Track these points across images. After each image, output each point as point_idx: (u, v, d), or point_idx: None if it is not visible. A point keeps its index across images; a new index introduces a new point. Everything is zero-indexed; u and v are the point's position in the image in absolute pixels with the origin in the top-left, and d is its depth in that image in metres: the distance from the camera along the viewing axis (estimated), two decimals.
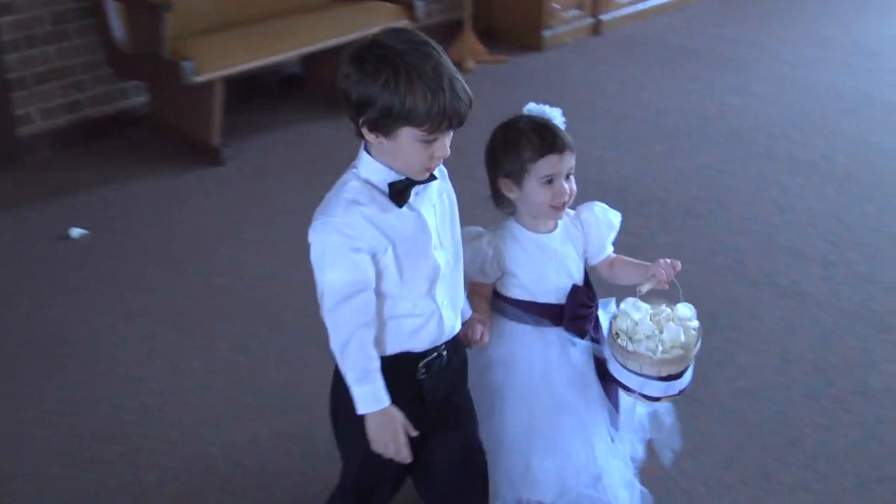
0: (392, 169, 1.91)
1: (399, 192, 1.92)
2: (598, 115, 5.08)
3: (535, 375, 2.29)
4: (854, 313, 3.45)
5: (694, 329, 2.18)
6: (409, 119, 1.81)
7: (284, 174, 4.52)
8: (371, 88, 1.79)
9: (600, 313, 2.35)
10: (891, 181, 4.48)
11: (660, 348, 2.13)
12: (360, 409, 1.97)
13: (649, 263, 2.27)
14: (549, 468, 2.30)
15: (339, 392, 2.04)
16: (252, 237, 3.99)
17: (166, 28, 4.34)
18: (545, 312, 2.28)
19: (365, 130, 1.87)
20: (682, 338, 2.15)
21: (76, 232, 4.02)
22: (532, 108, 2.25)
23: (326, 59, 4.99)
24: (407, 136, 1.85)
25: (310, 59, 5.20)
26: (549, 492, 2.32)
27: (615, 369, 2.21)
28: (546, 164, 2.16)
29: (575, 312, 2.27)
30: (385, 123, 1.83)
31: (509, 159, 2.20)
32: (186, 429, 2.97)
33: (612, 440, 2.35)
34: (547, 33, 6.17)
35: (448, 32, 5.75)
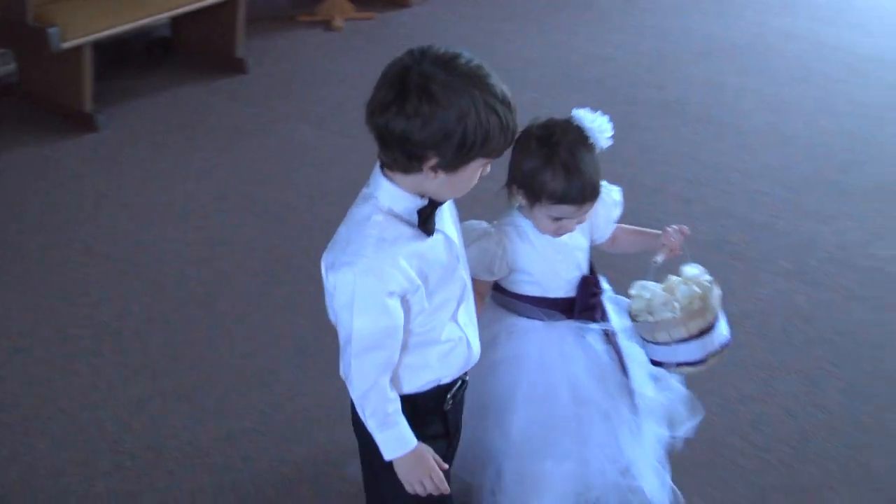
0: (418, 196, 1.69)
1: (427, 219, 1.69)
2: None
3: (553, 372, 2.15)
4: (710, 244, 3.59)
5: (707, 281, 2.11)
6: (485, 148, 1.60)
7: (159, 138, 4.42)
8: (446, 126, 1.55)
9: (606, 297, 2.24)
10: (742, 120, 4.63)
11: (677, 306, 2.06)
12: (387, 455, 1.81)
13: (655, 231, 2.19)
14: (566, 472, 2.16)
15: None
16: (130, 202, 3.91)
17: None
18: (557, 306, 2.14)
19: (422, 168, 1.62)
20: (697, 289, 2.09)
21: None
22: (579, 115, 2.03)
23: (195, 21, 4.91)
24: (475, 165, 1.64)
25: (178, 22, 5.08)
26: (561, 499, 2.18)
27: (651, 351, 2.12)
28: (561, 210, 1.98)
29: (586, 303, 2.15)
30: (458, 158, 1.60)
31: (528, 178, 1.98)
32: (76, 396, 2.92)
33: (638, 427, 2.22)
34: None
35: None
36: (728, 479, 2.57)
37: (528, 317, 2.15)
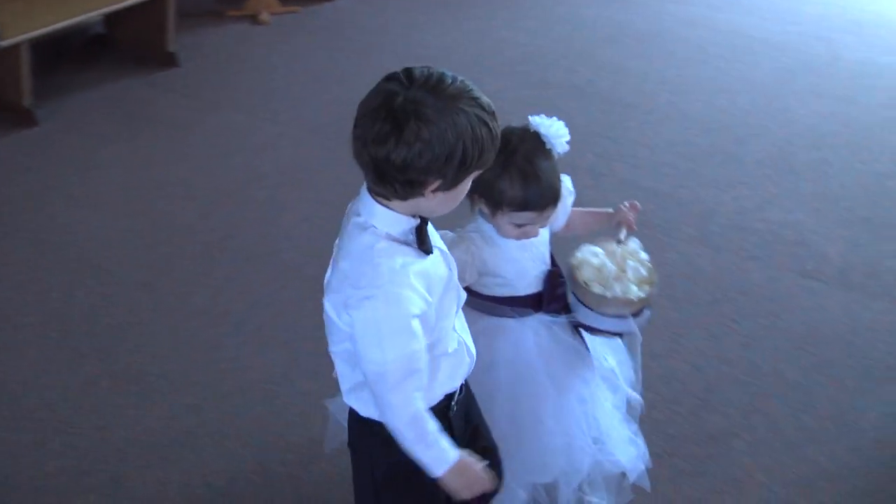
0: (412, 217, 1.60)
1: (424, 238, 1.61)
2: (387, 58, 5.05)
3: (530, 366, 2.08)
4: None
5: (647, 261, 2.10)
6: (480, 160, 1.54)
7: (99, 130, 4.31)
8: (447, 147, 1.48)
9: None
10: (646, 100, 4.68)
11: (633, 288, 2.03)
12: (437, 471, 1.69)
13: (606, 210, 2.16)
14: (557, 447, 2.11)
15: (382, 463, 1.79)
16: (73, 193, 3.81)
17: None
18: (526, 302, 2.07)
19: (424, 193, 1.54)
20: (644, 272, 2.07)
21: None
22: (536, 121, 1.95)
23: (128, 17, 4.81)
24: (469, 179, 1.58)
25: (112, 18, 4.96)
26: (559, 471, 2.14)
27: (584, 316, 2.07)
28: (522, 217, 1.92)
29: (553, 295, 2.08)
30: (458, 175, 1.54)
31: (487, 187, 1.89)
32: (26, 381, 2.85)
33: (611, 404, 2.19)
34: None
35: None
36: (642, 431, 2.60)
37: (499, 315, 2.07)
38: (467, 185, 1.60)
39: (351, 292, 1.58)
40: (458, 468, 1.70)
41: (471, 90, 1.53)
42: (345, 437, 2.00)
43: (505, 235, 1.98)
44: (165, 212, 3.69)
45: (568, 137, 1.94)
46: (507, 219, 1.93)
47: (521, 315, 2.07)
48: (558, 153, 1.94)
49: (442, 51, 5.19)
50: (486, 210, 1.96)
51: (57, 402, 2.77)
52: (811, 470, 2.62)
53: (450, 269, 1.69)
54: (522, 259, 2.04)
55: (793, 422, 2.77)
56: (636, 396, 2.26)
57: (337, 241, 1.72)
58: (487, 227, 2.00)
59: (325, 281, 1.73)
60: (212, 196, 3.80)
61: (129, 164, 4.00)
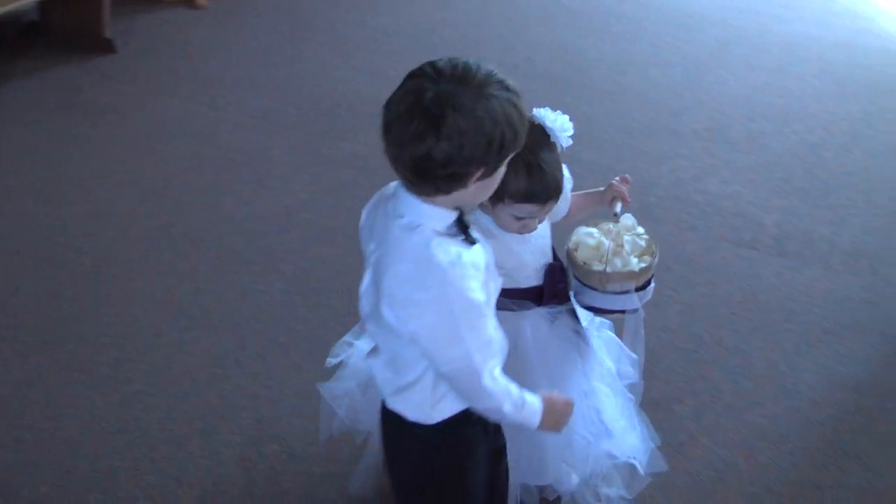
0: (454, 210, 1.58)
1: (466, 229, 1.59)
2: (326, 40, 5.02)
3: (528, 361, 2.03)
4: None
5: (644, 234, 2.09)
6: (515, 142, 1.52)
7: (35, 118, 4.22)
8: (487, 135, 1.46)
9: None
10: (582, 76, 4.71)
11: (633, 260, 2.01)
12: (534, 423, 1.72)
13: (597, 189, 2.13)
14: (552, 444, 2.09)
15: (430, 456, 1.78)
16: (12, 184, 3.74)
17: None
18: (527, 295, 2.02)
19: (468, 184, 1.52)
20: (643, 243, 2.04)
21: None
22: (541, 114, 1.92)
23: (64, 3, 4.71)
24: (505, 163, 1.57)
25: (46, 6, 4.86)
26: (553, 473, 2.15)
27: (591, 298, 2.05)
28: (524, 209, 1.87)
29: (554, 290, 2.04)
30: (498, 161, 1.52)
31: None
32: None
33: (613, 396, 2.15)
34: None
35: None
36: None
37: (498, 308, 1.98)
38: (503, 169, 1.58)
39: (417, 294, 1.54)
40: (547, 409, 1.73)
41: (496, 74, 1.52)
42: (338, 424, 2.01)
43: (504, 228, 1.94)
44: (106, 199, 3.64)
45: (572, 131, 1.92)
46: (508, 210, 1.88)
47: (521, 307, 2.03)
48: (562, 147, 1.92)
49: (381, 32, 5.16)
50: (485, 202, 1.88)
51: (4, 395, 2.73)
52: (751, 432, 2.68)
53: (491, 258, 1.68)
54: (522, 252, 2.00)
55: (733, 386, 2.83)
56: (633, 373, 2.24)
57: (371, 245, 1.67)
58: (486, 220, 1.95)
59: (362, 289, 1.68)
60: (152, 182, 3.75)
61: (68, 153, 3.93)
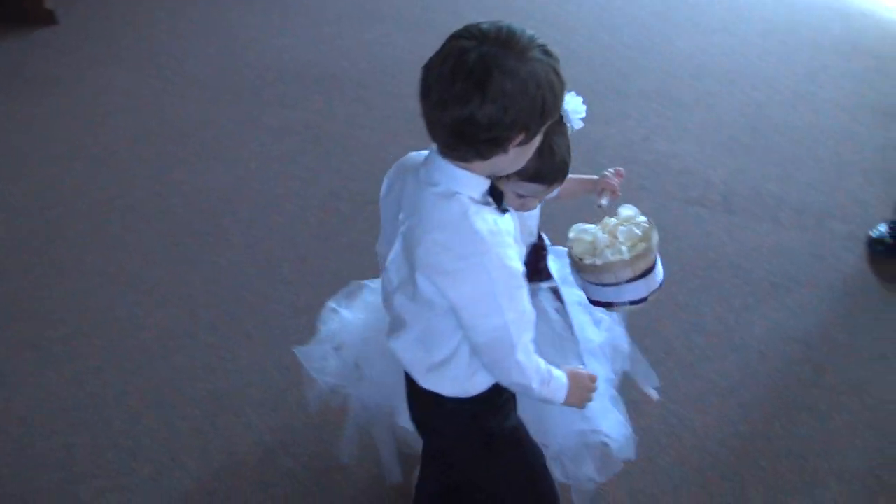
0: (487, 178, 1.54)
1: (498, 196, 1.56)
2: (272, 8, 4.95)
3: None
4: None
5: (644, 222, 2.05)
6: (555, 108, 1.47)
7: None
8: (531, 98, 1.42)
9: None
10: None
11: (624, 249, 1.98)
12: (560, 398, 1.71)
13: (591, 176, 2.11)
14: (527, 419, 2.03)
15: (473, 434, 1.79)
16: None
17: None
18: None
19: (508, 149, 1.48)
20: (638, 231, 2.01)
21: None
22: None
23: None
24: (543, 130, 1.51)
25: None
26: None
27: (594, 293, 2.02)
28: (529, 188, 1.82)
29: (536, 268, 2.02)
30: (539, 125, 1.48)
31: None
32: None
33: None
34: None
35: None
36: None
37: None
38: (541, 136, 1.54)
39: (456, 262, 1.50)
40: (573, 384, 1.73)
41: (538, 39, 1.47)
42: (323, 390, 2.01)
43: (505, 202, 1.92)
44: (52, 174, 3.57)
45: (584, 114, 1.89)
46: (512, 187, 1.82)
47: None
48: (573, 129, 1.88)
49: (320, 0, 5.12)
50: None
51: None
52: (703, 386, 2.71)
53: (517, 227, 1.65)
54: (516, 233, 1.97)
55: (685, 342, 2.85)
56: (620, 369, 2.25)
57: (401, 215, 1.63)
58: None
59: (390, 260, 1.66)
60: (99, 155, 3.69)
61: (10, 127, 3.85)
